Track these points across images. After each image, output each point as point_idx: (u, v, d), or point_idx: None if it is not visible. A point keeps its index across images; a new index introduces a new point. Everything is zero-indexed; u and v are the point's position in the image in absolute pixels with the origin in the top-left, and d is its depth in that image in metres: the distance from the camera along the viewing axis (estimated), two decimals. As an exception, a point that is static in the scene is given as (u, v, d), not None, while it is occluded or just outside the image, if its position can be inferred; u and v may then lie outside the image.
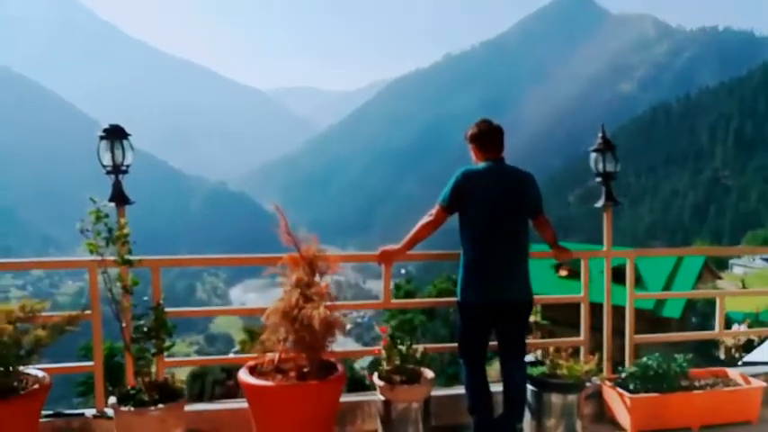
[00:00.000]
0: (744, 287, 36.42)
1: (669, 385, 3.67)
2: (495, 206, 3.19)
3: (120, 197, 3.38)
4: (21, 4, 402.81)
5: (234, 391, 21.96)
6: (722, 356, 21.21)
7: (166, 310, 3.19)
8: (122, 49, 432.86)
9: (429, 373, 3.38)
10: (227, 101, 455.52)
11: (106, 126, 3.40)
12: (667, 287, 25.10)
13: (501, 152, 3.34)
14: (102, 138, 3.36)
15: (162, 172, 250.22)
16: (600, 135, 3.98)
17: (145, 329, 3.02)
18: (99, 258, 2.99)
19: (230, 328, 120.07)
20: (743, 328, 24.12)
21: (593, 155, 3.99)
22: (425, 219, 3.38)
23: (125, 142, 3.42)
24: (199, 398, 22.12)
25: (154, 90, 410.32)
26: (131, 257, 3.11)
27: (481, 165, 3.30)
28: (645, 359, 3.77)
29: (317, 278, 3.10)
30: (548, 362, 3.59)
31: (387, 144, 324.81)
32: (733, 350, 22.69)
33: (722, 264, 44.34)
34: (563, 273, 23.96)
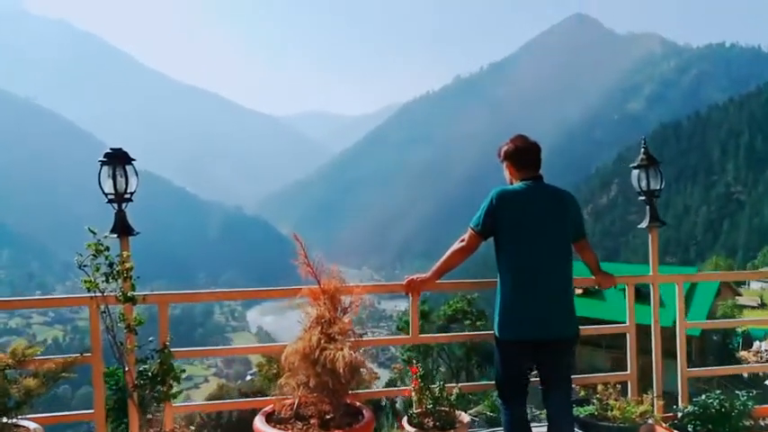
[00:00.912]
0: (762, 303, 35.68)
1: (732, 427, 3.27)
2: (536, 230, 2.88)
3: (123, 228, 3.07)
4: (36, 34, 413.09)
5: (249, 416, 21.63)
6: (745, 375, 20.55)
7: (173, 350, 2.89)
8: (138, 78, 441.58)
9: (465, 417, 3.04)
10: (242, 127, 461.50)
11: (108, 150, 3.12)
12: (686, 304, 24.25)
13: (538, 170, 3.03)
14: (103, 163, 3.07)
15: (179, 198, 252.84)
16: (642, 150, 3.67)
17: (150, 374, 2.71)
18: (99, 295, 2.69)
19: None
20: (765, 344, 23.49)
21: (635, 172, 3.67)
22: (457, 245, 3.11)
23: (128, 168, 3.11)
24: (217, 422, 21.67)
25: (169, 118, 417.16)
26: (135, 294, 2.81)
27: (518, 184, 2.99)
28: (704, 397, 3.38)
29: (339, 313, 2.78)
30: (595, 401, 3.23)
31: (399, 166, 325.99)
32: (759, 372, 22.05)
33: (736, 285, 43.50)
34: (578, 291, 23.17)
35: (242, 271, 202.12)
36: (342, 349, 2.56)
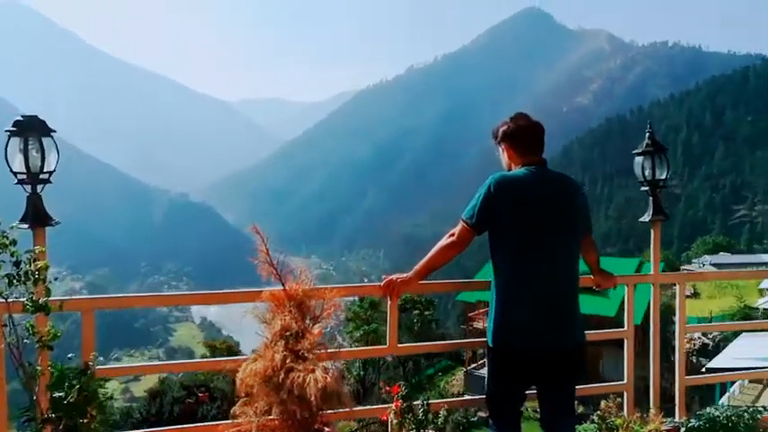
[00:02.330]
0: (695, 292, 37.27)
1: (741, 442, 2.97)
2: (541, 224, 2.43)
3: (36, 216, 2.42)
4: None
5: (194, 408, 20.63)
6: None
7: (101, 368, 2.33)
8: (80, 57, 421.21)
9: (452, 443, 2.58)
10: (191, 112, 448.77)
11: (19, 118, 2.46)
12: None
13: (542, 154, 2.60)
14: (11, 134, 2.42)
15: (122, 183, 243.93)
16: (647, 135, 3.33)
17: (67, 403, 2.12)
18: (1, 302, 2.08)
19: (190, 341, 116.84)
20: (698, 333, 24.26)
21: (639, 159, 3.32)
22: (446, 240, 2.61)
23: (46, 141, 2.46)
24: (157, 417, 20.68)
25: (114, 100, 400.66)
26: (50, 300, 2.17)
27: (519, 170, 2.54)
28: (709, 410, 3.07)
29: (308, 323, 2.27)
30: (596, 418, 2.85)
31: (350, 156, 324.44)
32: (691, 355, 22.83)
33: (675, 269, 45.21)
34: None
35: (187, 260, 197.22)
36: (313, 371, 2.06)
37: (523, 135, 2.59)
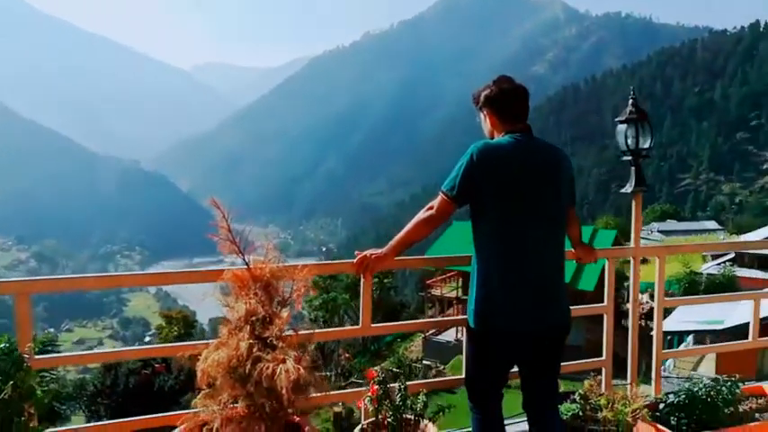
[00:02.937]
0: (644, 258, 38.20)
1: (719, 418, 2.92)
2: (528, 196, 2.25)
3: None
4: None
5: (150, 379, 20.20)
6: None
7: (39, 357, 2.05)
8: (28, 23, 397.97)
9: (431, 428, 2.43)
10: (143, 78, 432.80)
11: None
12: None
13: (526, 121, 2.39)
14: None
15: (71, 152, 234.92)
16: (630, 102, 3.14)
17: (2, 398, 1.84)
18: None
19: (146, 311, 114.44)
20: (645, 297, 25.32)
21: (622, 127, 3.13)
22: (424, 213, 2.39)
23: None
24: (112, 389, 20.20)
25: (61, 66, 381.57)
26: None
27: (503, 138, 2.33)
28: (688, 385, 3.01)
29: (275, 307, 2.02)
30: (578, 397, 2.74)
31: (307, 122, 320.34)
32: (640, 319, 23.83)
33: (627, 237, 46.94)
34: None
35: (140, 229, 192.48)
36: (284, 361, 1.83)
37: (507, 100, 2.38)
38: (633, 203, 3.22)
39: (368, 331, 2.64)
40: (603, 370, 3.15)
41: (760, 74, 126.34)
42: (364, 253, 2.47)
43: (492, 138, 2.41)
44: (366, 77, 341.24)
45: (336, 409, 17.08)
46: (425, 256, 3.13)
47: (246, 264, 2.07)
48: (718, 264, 28.33)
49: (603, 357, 3.20)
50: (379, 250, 2.46)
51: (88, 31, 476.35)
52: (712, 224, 55.65)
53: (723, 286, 23.88)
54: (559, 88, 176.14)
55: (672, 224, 52.70)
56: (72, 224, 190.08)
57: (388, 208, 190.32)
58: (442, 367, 21.55)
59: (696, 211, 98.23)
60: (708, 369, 14.37)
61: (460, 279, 24.83)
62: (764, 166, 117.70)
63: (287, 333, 2.00)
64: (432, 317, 25.77)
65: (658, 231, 50.03)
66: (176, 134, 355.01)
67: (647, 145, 3.09)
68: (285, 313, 2.02)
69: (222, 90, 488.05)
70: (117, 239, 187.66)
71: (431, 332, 24.16)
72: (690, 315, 16.86)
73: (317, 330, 2.54)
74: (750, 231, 44.42)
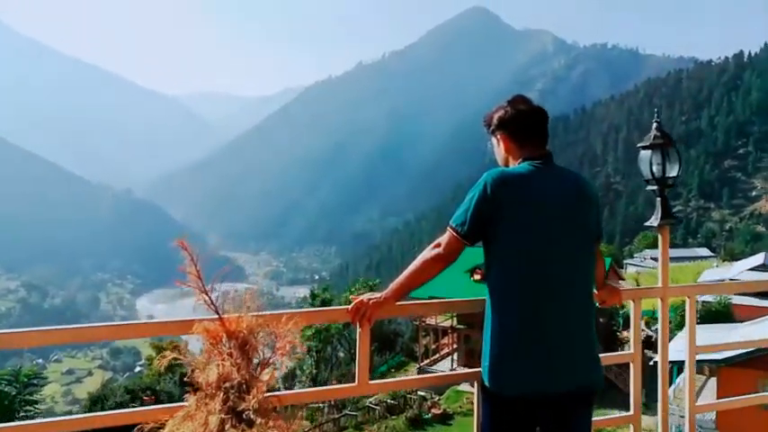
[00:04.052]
0: (638, 285, 38.34)
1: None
2: (552, 231, 1.95)
3: None
4: None
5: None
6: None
7: None
8: (16, 48, 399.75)
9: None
10: (138, 107, 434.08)
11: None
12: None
13: (546, 145, 2.11)
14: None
15: (61, 179, 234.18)
16: (654, 126, 2.81)
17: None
18: None
19: (137, 340, 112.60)
20: (642, 323, 25.30)
21: (646, 153, 2.76)
22: (430, 252, 2.04)
23: None
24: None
25: (54, 94, 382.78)
26: None
27: (522, 166, 2.03)
28: None
29: (254, 369, 1.66)
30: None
31: (299, 152, 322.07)
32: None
33: (619, 264, 47.05)
34: (476, 277, 22.41)
35: (132, 258, 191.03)
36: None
37: (524, 122, 2.11)
38: (660, 238, 2.82)
39: (365, 389, 2.25)
40: (632, 427, 2.76)
41: (745, 103, 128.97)
42: (360, 297, 2.11)
43: (507, 165, 2.11)
44: (358, 107, 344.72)
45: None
46: (432, 301, 2.71)
47: (219, 316, 1.70)
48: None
49: (631, 412, 2.76)
50: (378, 294, 2.10)
51: (75, 57, 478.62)
52: (704, 251, 55.95)
53: (719, 314, 23.82)
54: (550, 118, 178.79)
55: (664, 251, 52.96)
56: (62, 252, 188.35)
57: (381, 236, 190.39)
58: (437, 398, 21.36)
59: (687, 239, 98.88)
60: (709, 397, 14.27)
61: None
62: (753, 193, 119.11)
63: (270, 394, 1.66)
64: (426, 346, 25.59)
65: (651, 258, 50.30)
66: (168, 163, 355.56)
67: (674, 173, 2.74)
68: (267, 376, 1.66)
69: (214, 119, 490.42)
70: (109, 268, 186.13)
71: (425, 362, 23.93)
72: (686, 339, 16.72)
73: (305, 390, 2.25)
74: (742, 257, 44.78)
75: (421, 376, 2.86)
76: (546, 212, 1.95)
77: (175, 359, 1.72)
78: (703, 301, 25.90)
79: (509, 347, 1.93)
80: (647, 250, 53.24)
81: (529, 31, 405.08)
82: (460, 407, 18.73)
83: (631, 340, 2.84)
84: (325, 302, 29.28)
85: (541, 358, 1.91)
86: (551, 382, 1.91)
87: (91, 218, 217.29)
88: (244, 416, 1.51)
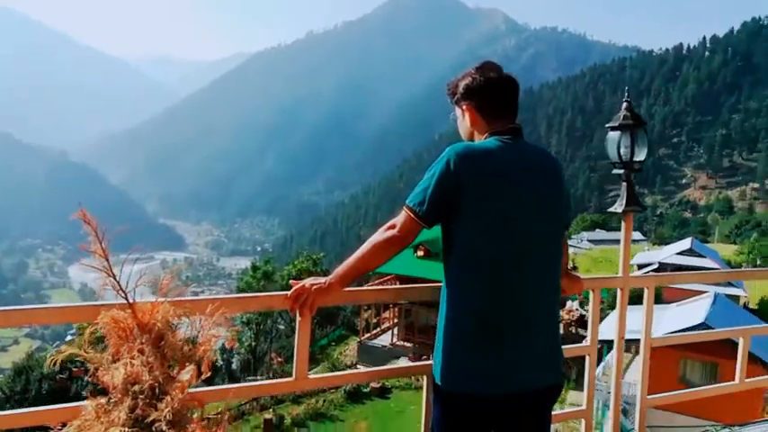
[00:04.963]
0: (575, 267, 39.79)
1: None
2: (521, 214, 1.73)
3: None
4: None
5: (67, 384, 19.02)
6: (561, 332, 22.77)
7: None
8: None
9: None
10: (84, 67, 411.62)
11: None
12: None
13: (515, 119, 1.85)
14: None
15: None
16: (624, 105, 2.58)
17: None
18: None
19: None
20: (575, 305, 26.14)
21: (614, 135, 2.55)
22: (383, 234, 1.79)
23: None
24: (23, 395, 18.93)
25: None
26: None
27: (489, 141, 1.79)
28: None
29: (172, 369, 1.34)
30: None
31: (246, 119, 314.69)
32: (570, 326, 24.55)
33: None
34: (420, 253, 22.61)
35: (64, 223, 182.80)
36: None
37: (494, 92, 1.84)
38: (623, 225, 2.66)
39: (303, 384, 2.02)
40: (583, 422, 2.63)
41: (681, 94, 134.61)
42: (302, 283, 1.83)
43: (472, 140, 1.88)
44: (307, 76, 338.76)
45: (267, 415, 16.71)
46: (382, 288, 2.51)
47: (128, 301, 1.39)
48: (644, 274, 29.66)
49: (584, 407, 2.62)
50: (323, 280, 1.83)
51: (22, 13, 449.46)
52: (637, 234, 58.41)
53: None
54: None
55: (601, 234, 55.01)
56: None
57: (326, 208, 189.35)
58: (377, 371, 21.52)
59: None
60: (634, 377, 14.94)
61: (398, 282, 24.90)
62: (683, 181, 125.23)
63: (192, 390, 1.34)
64: (367, 320, 25.67)
65: (588, 240, 52.12)
66: (110, 127, 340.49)
67: (641, 157, 2.55)
68: (187, 375, 1.31)
69: (162, 81, 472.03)
70: (39, 233, 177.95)
71: (366, 336, 24.06)
72: (616, 324, 17.45)
73: (233, 386, 1.86)
74: (671, 242, 47.16)
75: (366, 370, 2.56)
76: (515, 195, 1.73)
77: (74, 355, 1.45)
78: (634, 283, 27.16)
79: (466, 344, 1.73)
80: (584, 232, 55.18)
81: (481, 10, 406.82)
82: (398, 380, 18.98)
83: (589, 332, 2.69)
84: (266, 274, 28.83)
85: (504, 357, 1.72)
86: (514, 382, 1.73)
87: (22, 180, 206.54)
88: (154, 428, 1.21)
